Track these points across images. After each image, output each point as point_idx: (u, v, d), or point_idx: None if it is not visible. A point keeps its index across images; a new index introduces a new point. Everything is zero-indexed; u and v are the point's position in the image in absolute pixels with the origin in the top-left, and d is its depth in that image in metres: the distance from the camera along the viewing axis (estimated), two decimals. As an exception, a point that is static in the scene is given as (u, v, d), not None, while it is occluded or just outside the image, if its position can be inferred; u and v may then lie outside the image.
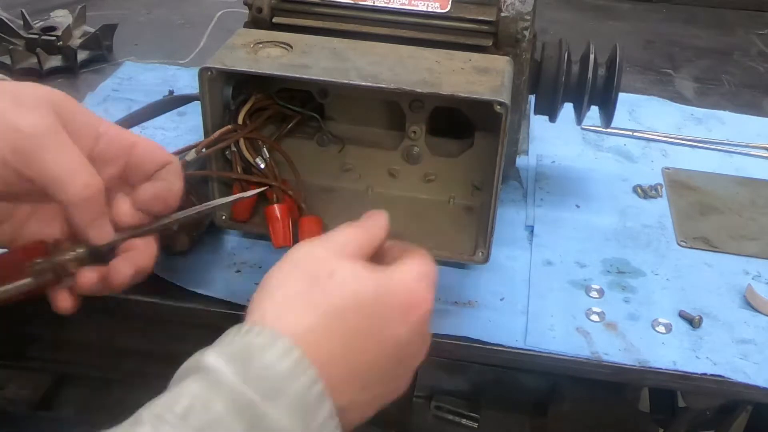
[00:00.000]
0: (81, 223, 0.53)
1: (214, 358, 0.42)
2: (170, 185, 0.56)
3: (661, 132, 1.01)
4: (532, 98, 0.81)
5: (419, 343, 0.51)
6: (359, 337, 0.47)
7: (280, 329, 0.44)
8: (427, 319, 0.51)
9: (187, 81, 1.06)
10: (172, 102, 0.92)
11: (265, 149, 0.70)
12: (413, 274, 0.51)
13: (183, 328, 0.56)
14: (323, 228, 0.69)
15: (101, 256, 0.55)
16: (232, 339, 0.44)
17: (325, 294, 0.47)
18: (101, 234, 0.54)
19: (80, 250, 0.54)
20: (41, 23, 1.12)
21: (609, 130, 0.90)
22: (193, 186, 0.66)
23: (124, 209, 0.55)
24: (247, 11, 0.75)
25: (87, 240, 0.54)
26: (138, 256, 0.56)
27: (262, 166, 0.69)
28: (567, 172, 0.91)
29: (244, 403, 0.41)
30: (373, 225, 0.54)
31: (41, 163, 0.50)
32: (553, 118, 0.80)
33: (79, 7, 1.15)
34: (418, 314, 0.49)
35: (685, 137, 1.00)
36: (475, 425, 0.94)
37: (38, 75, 1.06)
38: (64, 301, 0.55)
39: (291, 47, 0.67)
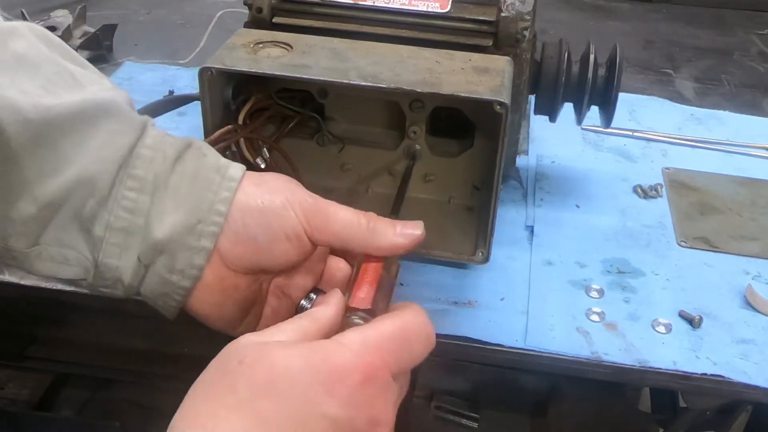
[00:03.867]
0: (389, 245, 0.55)
1: None
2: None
3: (661, 132, 1.00)
4: (532, 98, 0.81)
5: (369, 418, 0.43)
6: (279, 427, 0.41)
7: None
8: (366, 390, 0.43)
9: (187, 81, 1.06)
10: (172, 102, 0.91)
11: (265, 149, 0.70)
12: (350, 343, 0.44)
13: (183, 328, 0.56)
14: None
15: None
16: None
17: (233, 385, 0.42)
18: (417, 230, 0.56)
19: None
20: (41, 23, 1.12)
21: (609, 130, 0.90)
22: None
23: None
24: (247, 11, 0.75)
25: (404, 247, 0.55)
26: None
27: (263, 166, 0.69)
28: (567, 172, 0.91)
29: None
30: (320, 310, 0.49)
31: (333, 222, 0.54)
32: (553, 118, 0.80)
33: (79, 7, 1.15)
34: (349, 386, 0.42)
35: (685, 137, 1.00)
36: (475, 425, 0.94)
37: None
38: None
39: (291, 47, 0.67)
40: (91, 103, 0.52)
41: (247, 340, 0.45)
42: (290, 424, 0.41)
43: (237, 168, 0.55)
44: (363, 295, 0.51)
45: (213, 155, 0.56)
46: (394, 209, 0.65)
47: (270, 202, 0.54)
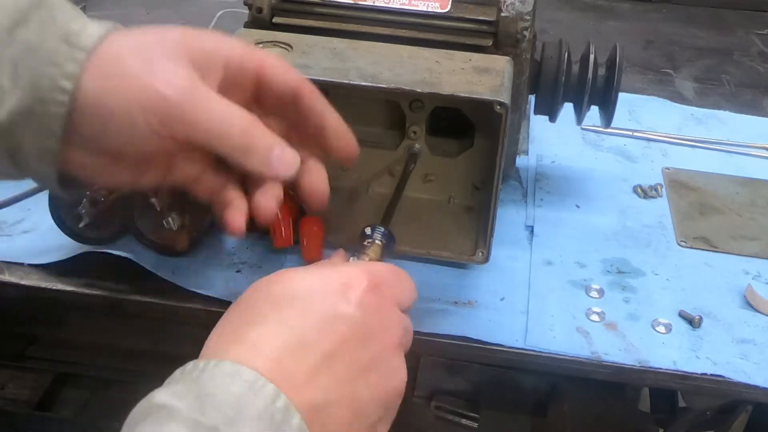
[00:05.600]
0: (257, 165, 0.51)
1: (165, 396, 0.40)
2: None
3: (661, 132, 1.00)
4: (532, 98, 0.81)
5: (380, 322, 0.47)
6: (306, 331, 0.45)
7: (226, 356, 0.42)
8: (374, 297, 0.48)
9: (187, 81, 1.05)
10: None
11: (265, 149, 0.70)
12: (355, 263, 0.55)
13: (183, 328, 0.56)
14: (324, 227, 0.69)
15: None
16: (179, 377, 0.42)
17: (256, 306, 0.46)
18: (288, 166, 0.52)
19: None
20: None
21: (609, 130, 0.90)
22: None
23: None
24: (247, 11, 0.75)
25: (273, 178, 0.52)
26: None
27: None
28: (567, 172, 0.91)
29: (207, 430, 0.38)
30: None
31: (195, 125, 0.48)
32: (553, 118, 0.80)
33: (79, 7, 1.15)
34: (359, 291, 0.47)
35: (685, 137, 1.00)
36: (475, 425, 0.93)
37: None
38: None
39: (291, 47, 0.67)
40: None
41: (267, 278, 0.49)
42: (314, 326, 0.45)
43: (90, 36, 0.48)
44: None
45: (64, 17, 0.48)
46: (388, 212, 0.65)
47: (112, 104, 0.47)
